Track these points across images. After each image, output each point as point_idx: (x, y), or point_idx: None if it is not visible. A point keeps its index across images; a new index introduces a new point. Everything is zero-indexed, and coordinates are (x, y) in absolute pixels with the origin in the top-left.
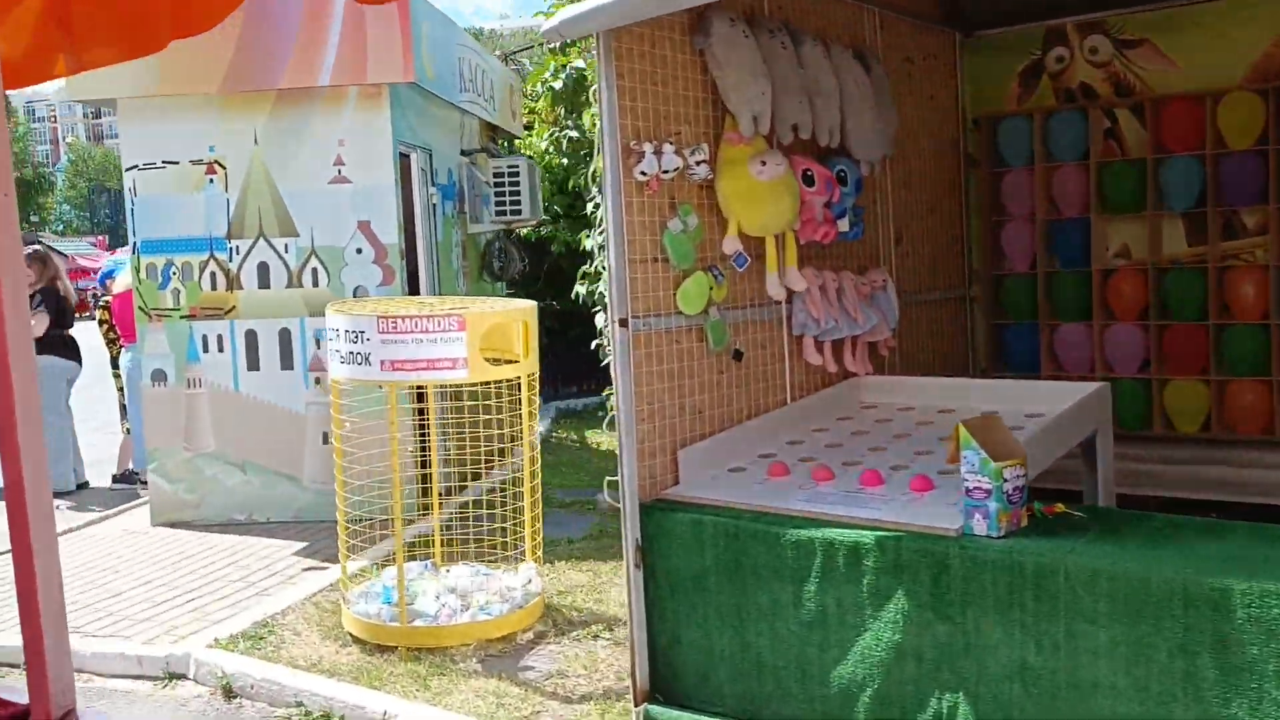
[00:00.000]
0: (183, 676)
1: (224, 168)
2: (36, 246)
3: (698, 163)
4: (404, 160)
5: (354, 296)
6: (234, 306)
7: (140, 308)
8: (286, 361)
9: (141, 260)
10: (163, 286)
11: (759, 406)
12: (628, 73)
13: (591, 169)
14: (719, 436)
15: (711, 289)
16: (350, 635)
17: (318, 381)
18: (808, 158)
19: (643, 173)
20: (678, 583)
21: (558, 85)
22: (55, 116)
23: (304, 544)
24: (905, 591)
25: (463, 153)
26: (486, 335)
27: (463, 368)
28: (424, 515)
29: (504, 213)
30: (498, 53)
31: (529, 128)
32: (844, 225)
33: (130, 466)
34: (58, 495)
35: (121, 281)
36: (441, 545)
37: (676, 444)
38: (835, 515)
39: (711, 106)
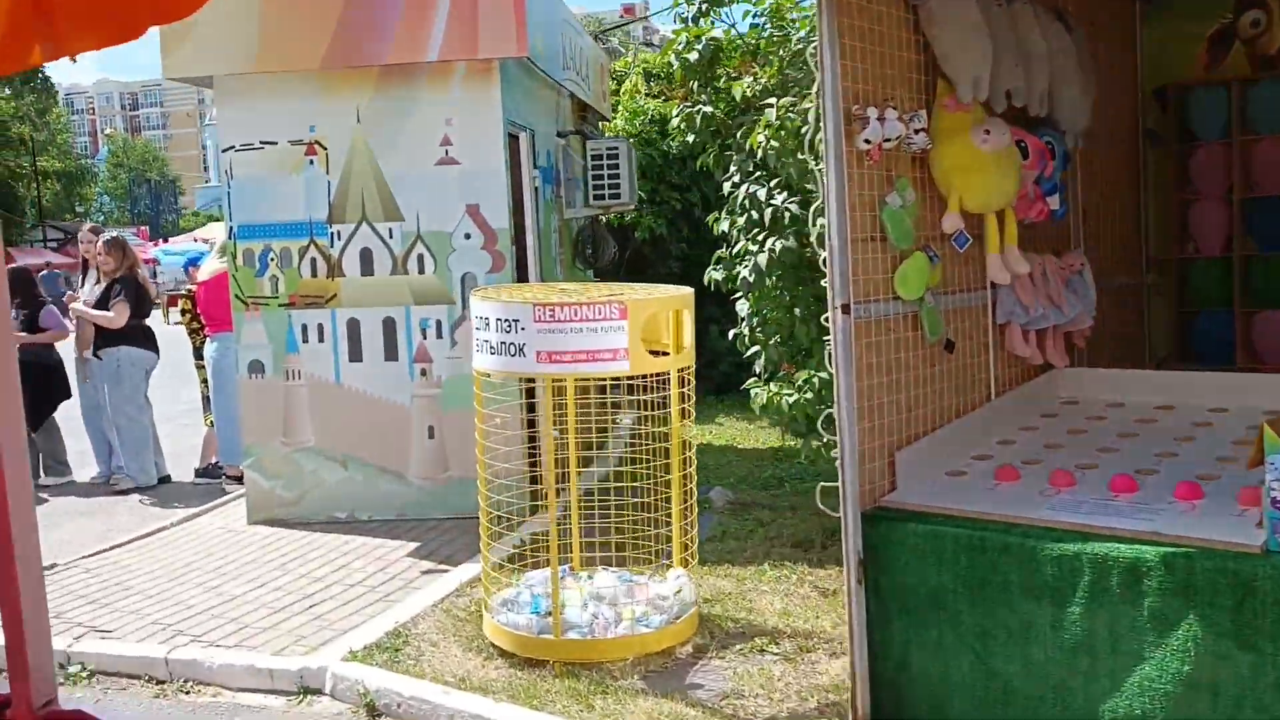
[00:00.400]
0: (318, 692)
1: (324, 148)
2: (115, 234)
3: (916, 131)
4: (512, 142)
5: (462, 284)
6: (335, 294)
7: (236, 296)
8: (391, 352)
9: (238, 246)
10: (260, 273)
11: (964, 403)
12: (848, 30)
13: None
14: (932, 437)
15: (928, 272)
16: (494, 647)
17: (423, 373)
18: (1018, 128)
19: (866, 140)
20: (908, 601)
21: (692, 57)
22: (94, 109)
23: (415, 544)
24: (1198, 616)
25: (559, 134)
26: (646, 324)
27: (624, 359)
28: (534, 516)
29: (602, 196)
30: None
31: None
32: (1054, 203)
33: (214, 460)
34: (140, 490)
35: (206, 269)
36: (580, 550)
37: (892, 445)
38: (1103, 527)
39: (921, 70)
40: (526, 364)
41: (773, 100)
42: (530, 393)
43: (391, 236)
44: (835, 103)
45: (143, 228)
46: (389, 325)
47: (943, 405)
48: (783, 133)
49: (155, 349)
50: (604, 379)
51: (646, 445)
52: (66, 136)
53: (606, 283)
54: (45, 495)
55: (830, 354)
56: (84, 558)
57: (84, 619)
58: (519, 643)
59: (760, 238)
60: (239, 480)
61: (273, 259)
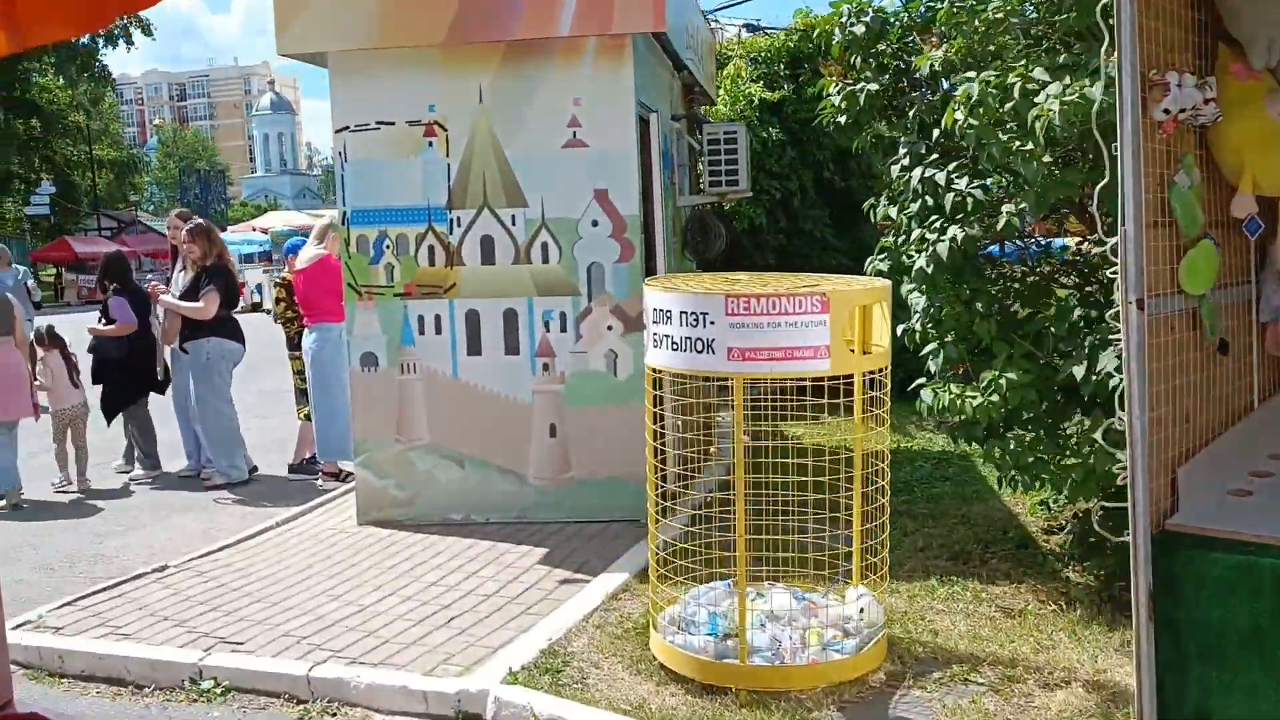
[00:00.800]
0: (477, 717)
1: (445, 129)
2: (200, 220)
3: (1206, 100)
4: (641, 124)
5: (588, 275)
6: (454, 284)
7: (349, 284)
8: (511, 345)
9: (351, 232)
10: (375, 261)
11: (1230, 412)
12: None
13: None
14: (1209, 451)
15: (1216, 263)
16: (664, 670)
17: (546, 368)
18: None
19: (1165, 110)
20: (1212, 642)
21: (859, 30)
22: (143, 99)
23: (542, 550)
24: None
25: (673, 117)
26: (848, 319)
27: (824, 358)
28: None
29: (719, 183)
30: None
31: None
32: None
33: (308, 455)
34: (230, 486)
35: (304, 256)
36: (746, 565)
37: (1173, 460)
38: None
39: (1200, 30)
40: (715, 362)
41: (971, 74)
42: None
43: (514, 223)
44: (1133, 66)
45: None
46: (510, 317)
47: (1214, 415)
48: (981, 109)
49: (242, 340)
50: (803, 379)
51: (818, 450)
52: (118, 126)
53: (745, 273)
54: (133, 487)
55: (1121, 355)
56: (193, 559)
57: (208, 628)
58: (697, 667)
59: (939, 225)
60: (336, 477)
61: (388, 246)
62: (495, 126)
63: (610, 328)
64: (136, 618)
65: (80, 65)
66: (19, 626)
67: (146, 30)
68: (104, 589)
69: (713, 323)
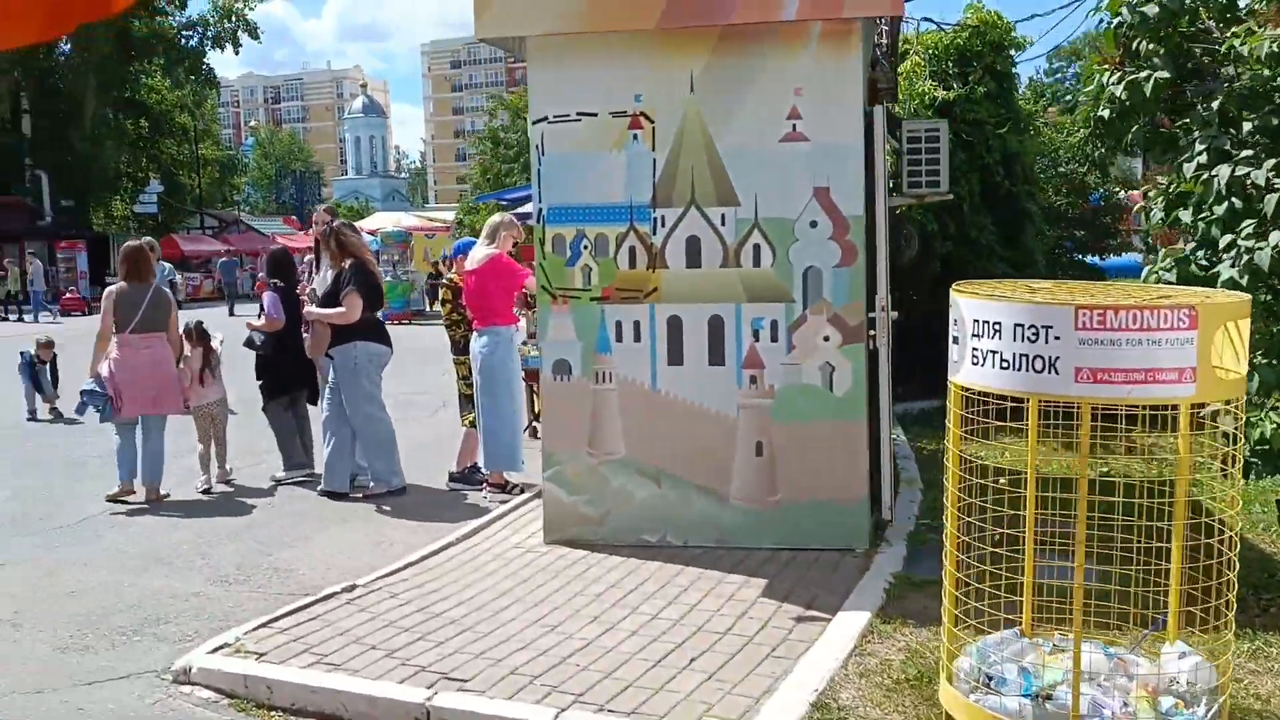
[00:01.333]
0: None
1: (651, 121)
2: (337, 220)
3: None
4: (865, 117)
5: (804, 280)
6: (656, 288)
7: (543, 287)
8: (716, 355)
9: (546, 231)
10: (571, 262)
11: None
12: None
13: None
14: None
15: None
16: None
17: (753, 381)
18: None
19: None
20: None
21: (1152, 10)
22: (238, 101)
23: (761, 581)
24: None
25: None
26: (1217, 337)
27: (1189, 381)
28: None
29: (918, 184)
30: None
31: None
32: None
33: (471, 464)
34: (391, 494)
35: (475, 256)
36: (1032, 611)
37: None
38: None
39: None
40: (1058, 383)
41: None
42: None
43: (724, 223)
44: None
45: (291, 217)
46: (715, 325)
47: None
48: None
49: (389, 343)
50: (1163, 404)
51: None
52: (217, 127)
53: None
54: (277, 486)
55: None
56: (380, 578)
57: (423, 660)
58: None
59: (1258, 230)
60: (502, 489)
61: (586, 246)
62: (706, 118)
63: (826, 338)
64: (340, 644)
65: (188, 67)
66: (217, 650)
67: (253, 33)
68: (295, 609)
69: (1058, 338)
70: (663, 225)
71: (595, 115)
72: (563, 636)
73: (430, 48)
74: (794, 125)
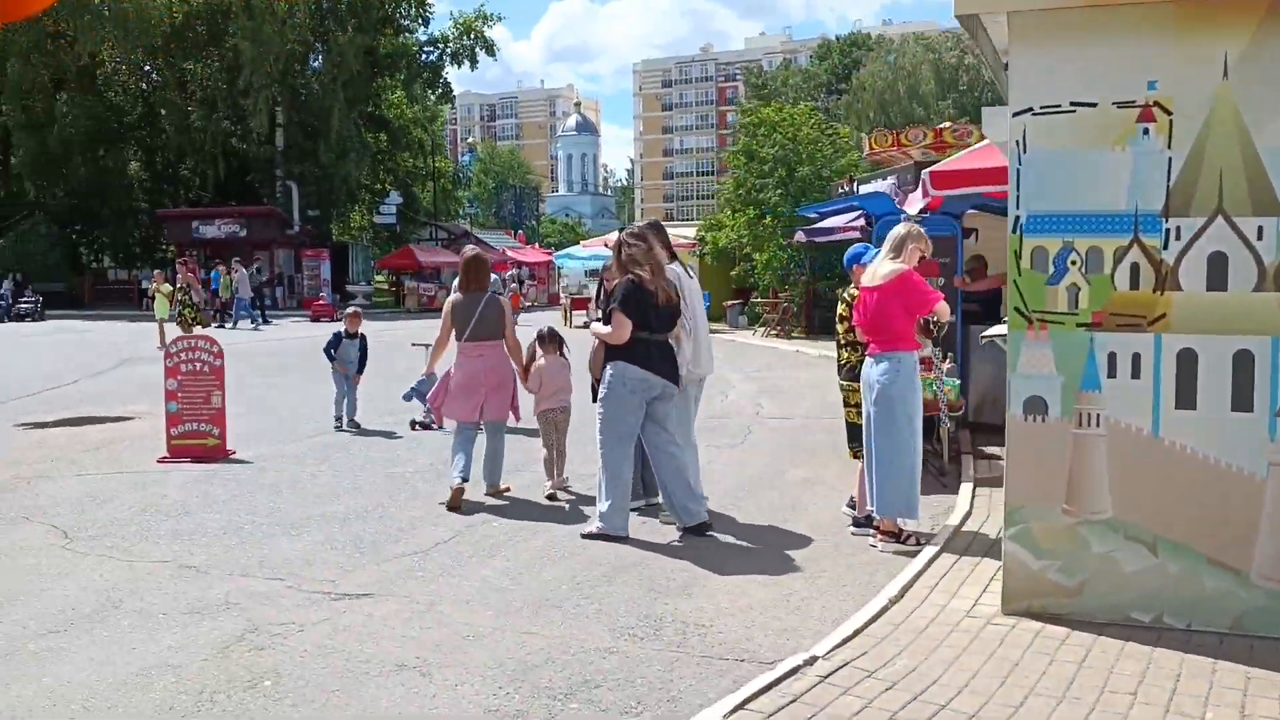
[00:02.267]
0: None
1: (1168, 113)
2: (630, 230)
3: None
4: None
5: None
6: (1163, 314)
7: (1016, 309)
8: (1242, 399)
9: (1024, 242)
10: (1054, 280)
11: None
12: None
13: None
14: None
15: None
16: None
17: None
18: None
19: None
20: None
21: None
22: (455, 119)
23: None
24: None
25: None
26: None
27: None
28: None
29: None
30: None
31: None
32: None
33: (867, 511)
34: (696, 530)
35: (880, 272)
36: None
37: None
38: None
39: None
40: None
41: None
42: None
43: (1260, 237)
44: None
45: (516, 231)
46: (1243, 361)
47: None
48: None
49: (656, 369)
50: None
51: None
52: (443, 143)
53: None
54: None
55: None
56: (834, 650)
57: None
58: None
59: None
60: (895, 537)
61: (1074, 261)
62: (1243, 109)
63: None
64: None
65: (426, 81)
66: None
67: (490, 50)
68: (766, 688)
69: None
70: (1177, 238)
71: (1094, 105)
72: None
73: (642, 66)
74: None
